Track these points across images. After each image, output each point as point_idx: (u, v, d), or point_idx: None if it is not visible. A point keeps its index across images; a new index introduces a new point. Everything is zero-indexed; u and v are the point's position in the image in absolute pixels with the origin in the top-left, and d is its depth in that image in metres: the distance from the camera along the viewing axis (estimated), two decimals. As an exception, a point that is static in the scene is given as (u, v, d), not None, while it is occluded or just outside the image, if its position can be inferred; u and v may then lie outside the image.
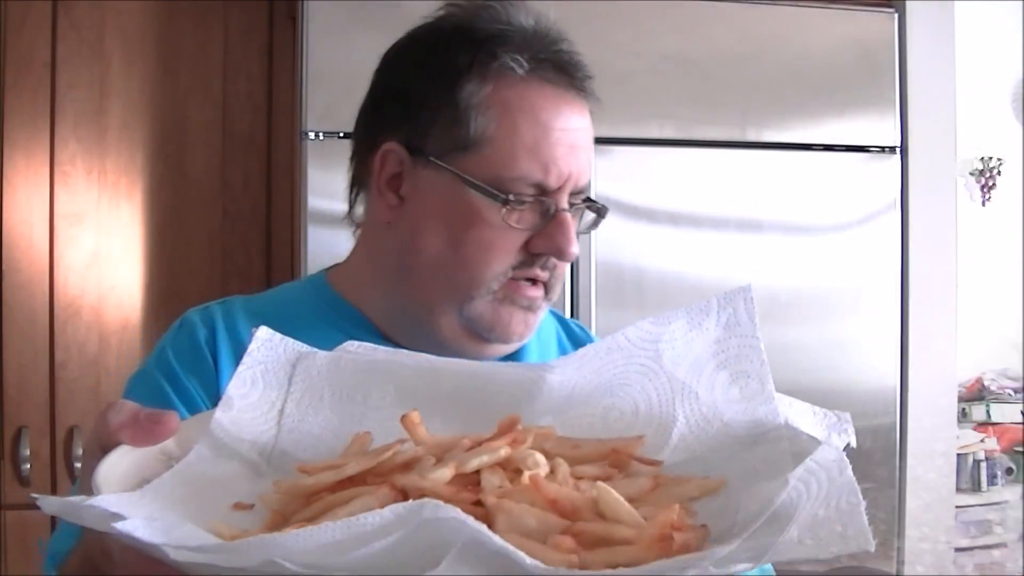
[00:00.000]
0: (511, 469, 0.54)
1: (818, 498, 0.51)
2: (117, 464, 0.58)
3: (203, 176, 2.44)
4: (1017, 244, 3.34)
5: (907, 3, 2.42)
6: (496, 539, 0.44)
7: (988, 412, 3.06)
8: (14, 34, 2.33)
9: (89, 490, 0.56)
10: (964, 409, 3.01)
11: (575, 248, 0.95)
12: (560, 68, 0.96)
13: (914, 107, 2.42)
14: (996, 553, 2.75)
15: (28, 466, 2.29)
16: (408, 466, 0.57)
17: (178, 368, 0.98)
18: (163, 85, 2.43)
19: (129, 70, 2.40)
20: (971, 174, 3.36)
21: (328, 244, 2.06)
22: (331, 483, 0.56)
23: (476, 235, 0.94)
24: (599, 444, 0.60)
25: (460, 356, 0.97)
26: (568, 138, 0.95)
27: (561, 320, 1.17)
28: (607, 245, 2.21)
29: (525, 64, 0.95)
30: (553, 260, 0.96)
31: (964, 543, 2.68)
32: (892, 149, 2.41)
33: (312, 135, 2.12)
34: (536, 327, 0.99)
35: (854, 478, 0.52)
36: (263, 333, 0.68)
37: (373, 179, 1.01)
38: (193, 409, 0.95)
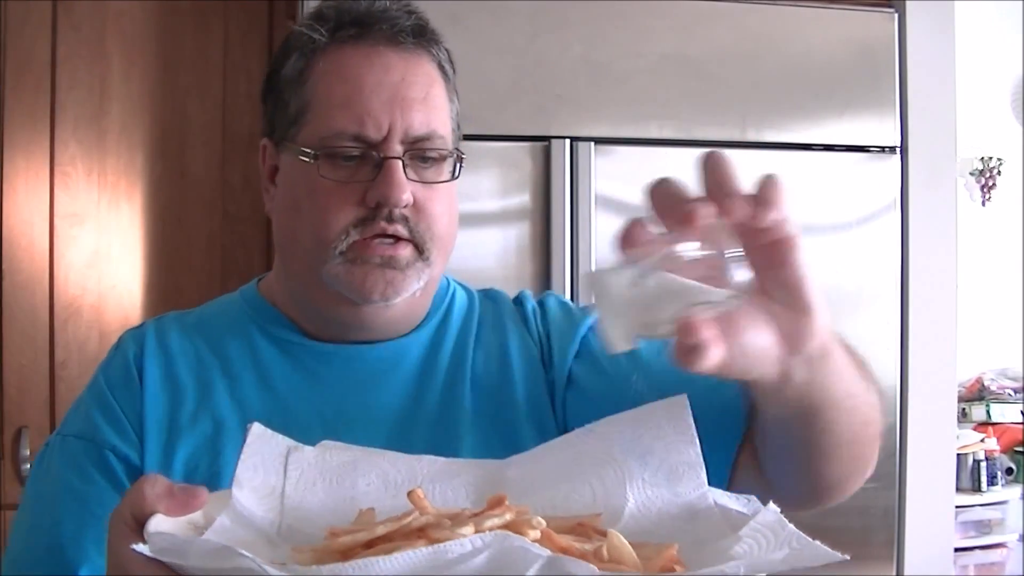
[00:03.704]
0: (513, 530, 0.64)
1: (769, 549, 0.63)
2: (157, 530, 0.67)
3: (203, 176, 2.45)
4: (1017, 244, 3.34)
5: (907, 3, 2.42)
6: (569, 560, 0.56)
7: (988, 412, 3.05)
8: (14, 34, 2.34)
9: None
10: (964, 409, 3.01)
11: (402, 194, 0.94)
12: (362, 25, 0.98)
13: (914, 107, 2.42)
14: (996, 553, 2.75)
15: (28, 466, 2.29)
16: (425, 530, 0.64)
17: (106, 390, 1.02)
18: (163, 85, 2.43)
19: (129, 70, 2.40)
20: (971, 174, 3.36)
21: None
22: (364, 541, 0.64)
23: (311, 198, 0.97)
24: (564, 520, 0.71)
25: (345, 327, 1.00)
26: (386, 90, 0.96)
27: (520, 301, 1.11)
28: (608, 245, 2.21)
29: (325, 33, 0.98)
30: (404, 214, 0.95)
31: (964, 543, 2.68)
32: (892, 149, 2.41)
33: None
34: (407, 286, 0.96)
35: (796, 529, 0.64)
36: (256, 429, 0.78)
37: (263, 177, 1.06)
38: (120, 430, 0.99)
